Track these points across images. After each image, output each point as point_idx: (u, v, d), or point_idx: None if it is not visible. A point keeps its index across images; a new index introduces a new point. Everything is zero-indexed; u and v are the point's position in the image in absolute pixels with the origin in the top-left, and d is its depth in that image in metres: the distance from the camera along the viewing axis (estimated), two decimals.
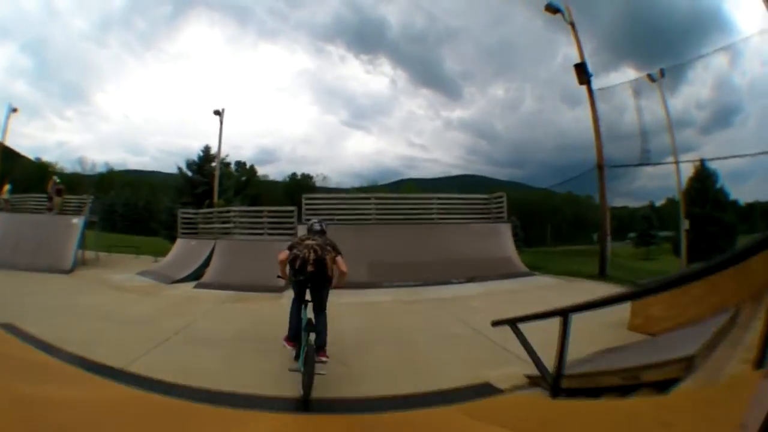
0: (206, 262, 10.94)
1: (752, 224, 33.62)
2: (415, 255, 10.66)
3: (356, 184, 61.21)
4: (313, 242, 4.07)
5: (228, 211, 12.52)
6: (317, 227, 4.38)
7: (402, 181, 69.12)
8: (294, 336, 4.06)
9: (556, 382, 2.57)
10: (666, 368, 2.17)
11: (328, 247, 4.08)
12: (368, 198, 12.11)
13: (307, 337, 3.76)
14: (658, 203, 38.09)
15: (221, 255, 10.87)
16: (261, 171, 54.77)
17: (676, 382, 1.96)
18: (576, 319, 6.37)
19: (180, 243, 12.51)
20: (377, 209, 11.92)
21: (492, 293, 8.61)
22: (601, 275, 11.15)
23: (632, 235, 35.92)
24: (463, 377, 4.10)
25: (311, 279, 3.95)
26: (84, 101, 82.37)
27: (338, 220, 11.12)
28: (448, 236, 11.38)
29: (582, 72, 12.87)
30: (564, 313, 2.61)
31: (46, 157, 57.50)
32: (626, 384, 2.28)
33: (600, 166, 12.78)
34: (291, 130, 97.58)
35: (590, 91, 12.99)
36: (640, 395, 2.08)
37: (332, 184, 49.34)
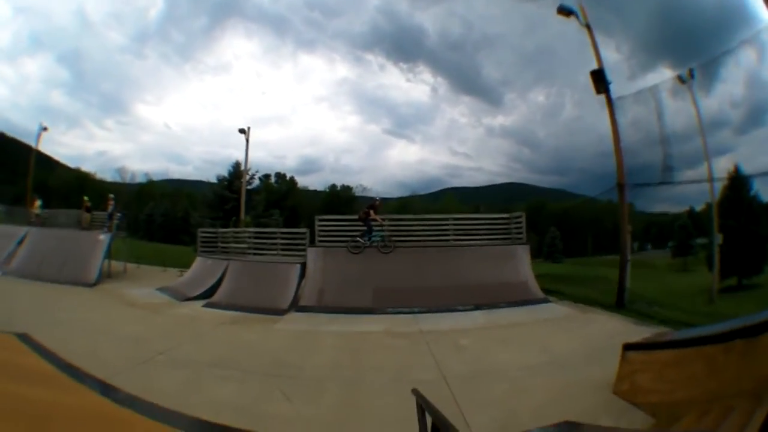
0: (220, 281, 11.17)
1: None
2: (424, 280, 10.40)
3: (398, 194, 60.28)
4: (362, 212, 11.40)
5: (243, 232, 12.84)
6: (376, 202, 12.09)
7: (443, 191, 68.30)
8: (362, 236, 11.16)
9: None
10: None
11: (367, 211, 11.34)
12: (381, 221, 11.82)
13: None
14: (699, 207, 36.21)
15: (232, 276, 11.13)
16: (304, 181, 55.43)
17: None
18: (556, 374, 5.55)
19: (198, 261, 12.96)
20: (390, 232, 11.68)
21: (491, 326, 8.13)
22: (618, 306, 10.11)
23: (672, 243, 35.52)
24: None
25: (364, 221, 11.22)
26: (123, 112, 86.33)
27: (349, 242, 11.18)
28: (460, 260, 11.03)
29: (599, 80, 11.37)
30: None
31: (86, 167, 59.82)
32: None
33: (620, 185, 11.21)
34: (334, 140, 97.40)
35: (609, 101, 11.43)
36: None
37: (373, 194, 48.42)
